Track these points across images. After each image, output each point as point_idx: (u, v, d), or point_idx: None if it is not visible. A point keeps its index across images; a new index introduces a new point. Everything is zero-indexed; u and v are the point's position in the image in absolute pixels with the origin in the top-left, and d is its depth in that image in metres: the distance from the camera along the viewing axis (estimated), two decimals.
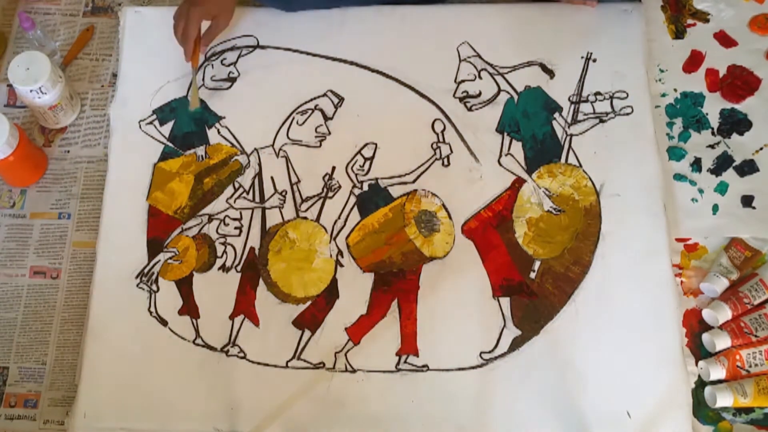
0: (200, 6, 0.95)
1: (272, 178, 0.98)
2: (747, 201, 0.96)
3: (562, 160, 0.98)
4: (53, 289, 0.96)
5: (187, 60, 0.98)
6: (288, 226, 0.95)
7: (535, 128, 0.99)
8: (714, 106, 1.01)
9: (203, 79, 1.03)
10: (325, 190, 0.97)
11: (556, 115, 1.00)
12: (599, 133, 0.99)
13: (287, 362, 0.90)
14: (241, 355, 0.90)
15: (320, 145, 0.99)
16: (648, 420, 0.86)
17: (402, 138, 0.99)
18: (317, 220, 0.96)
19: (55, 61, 1.04)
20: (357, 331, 0.91)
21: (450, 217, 0.95)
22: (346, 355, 0.90)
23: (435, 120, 1.00)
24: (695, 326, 0.92)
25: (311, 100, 1.01)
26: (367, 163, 0.98)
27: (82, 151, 1.03)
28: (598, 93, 1.00)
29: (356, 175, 0.98)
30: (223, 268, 0.94)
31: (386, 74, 1.02)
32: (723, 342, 0.88)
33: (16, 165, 0.95)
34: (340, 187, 0.97)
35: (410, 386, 0.88)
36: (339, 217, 0.96)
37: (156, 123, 1.01)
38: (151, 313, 0.92)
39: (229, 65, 1.04)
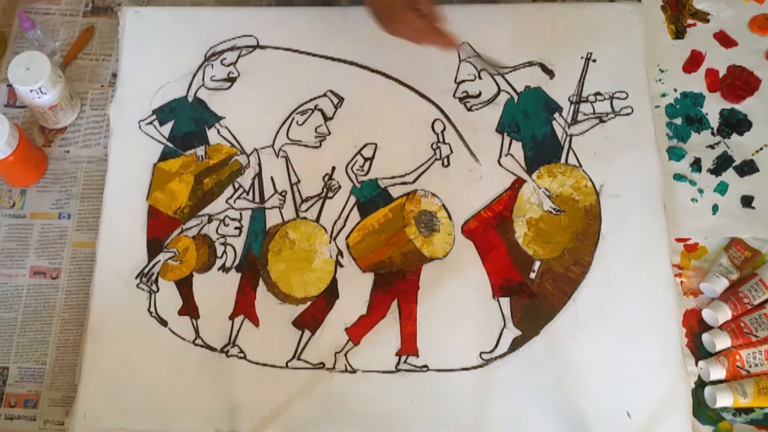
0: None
1: (272, 178, 0.98)
2: (747, 201, 0.96)
3: (562, 160, 0.98)
4: (53, 289, 0.96)
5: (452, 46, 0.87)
6: (288, 226, 0.96)
7: (535, 128, 0.99)
8: (714, 106, 1.01)
9: (203, 79, 1.03)
10: (324, 190, 0.97)
11: (556, 115, 1.00)
12: (599, 133, 0.99)
13: (287, 362, 0.90)
14: (241, 355, 0.90)
15: (320, 145, 0.99)
16: (648, 420, 0.86)
17: (402, 138, 0.99)
18: (317, 220, 0.96)
19: (55, 61, 1.04)
20: (357, 332, 0.91)
21: (450, 218, 0.95)
22: (346, 355, 0.90)
23: (435, 120, 1.00)
24: (695, 326, 0.92)
25: (311, 100, 1.01)
26: (367, 163, 0.98)
27: (82, 151, 1.03)
28: (598, 93, 1.01)
29: (356, 175, 0.98)
30: (223, 268, 0.94)
31: (386, 74, 1.02)
32: (723, 342, 0.88)
33: (16, 165, 0.95)
34: (340, 187, 0.97)
35: (410, 386, 0.88)
36: (339, 218, 0.96)
37: (156, 123, 1.01)
38: (151, 313, 0.92)
39: (229, 65, 1.04)
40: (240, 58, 1.04)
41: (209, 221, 0.96)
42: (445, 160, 0.98)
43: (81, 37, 1.09)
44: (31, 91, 0.95)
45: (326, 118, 1.00)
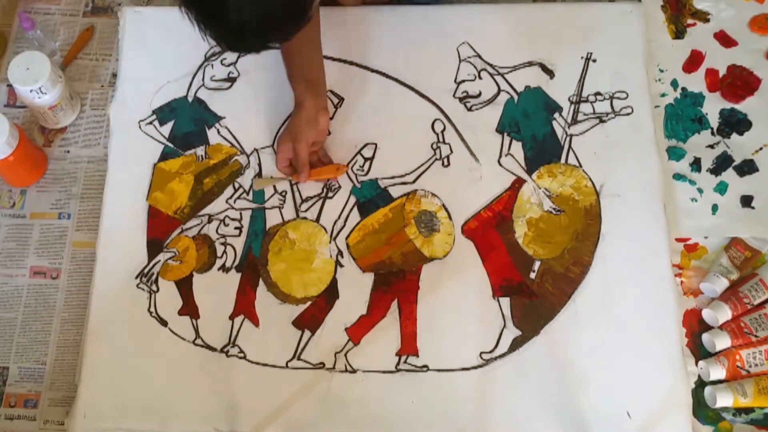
0: (304, 138, 0.92)
1: (272, 178, 0.98)
2: (746, 201, 0.96)
3: (562, 160, 0.98)
4: (53, 289, 0.96)
5: (303, 180, 0.95)
6: (288, 226, 0.95)
7: (535, 128, 0.99)
8: (714, 106, 1.01)
9: (203, 79, 1.03)
10: (324, 190, 0.97)
11: (556, 115, 1.00)
12: (599, 133, 0.99)
13: (287, 362, 0.90)
14: (241, 355, 0.90)
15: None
16: (648, 420, 0.86)
17: (402, 138, 0.99)
18: (317, 220, 0.96)
19: (55, 61, 1.04)
20: (357, 332, 0.91)
21: (450, 218, 0.95)
22: (346, 355, 0.90)
23: (435, 120, 1.00)
24: (695, 326, 0.92)
25: None
26: (367, 163, 0.98)
27: (82, 151, 1.03)
28: (598, 93, 1.01)
29: (356, 175, 0.98)
30: (223, 268, 0.94)
31: (386, 74, 1.02)
32: (723, 342, 0.88)
33: (16, 165, 0.95)
34: (340, 187, 0.97)
35: (410, 386, 0.88)
36: (339, 218, 0.96)
37: (156, 123, 1.01)
38: (151, 313, 0.92)
39: (229, 65, 1.04)
40: (240, 58, 1.04)
41: (209, 221, 0.96)
42: (445, 160, 0.98)
43: (81, 37, 1.09)
44: (31, 91, 0.95)
45: None
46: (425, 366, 0.89)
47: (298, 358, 0.90)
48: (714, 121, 1.00)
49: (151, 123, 1.01)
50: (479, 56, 1.03)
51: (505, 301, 0.92)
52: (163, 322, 0.92)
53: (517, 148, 0.98)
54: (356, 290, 0.92)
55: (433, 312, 0.91)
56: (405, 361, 0.89)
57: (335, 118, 1.00)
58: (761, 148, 0.99)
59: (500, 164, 0.98)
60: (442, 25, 1.04)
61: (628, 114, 0.99)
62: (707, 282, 0.92)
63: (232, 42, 0.71)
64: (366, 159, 0.98)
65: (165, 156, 0.99)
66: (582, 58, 1.02)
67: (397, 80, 1.02)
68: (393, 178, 0.97)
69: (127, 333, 0.91)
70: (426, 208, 0.96)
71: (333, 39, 1.04)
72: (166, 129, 1.01)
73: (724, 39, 1.05)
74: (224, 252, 0.95)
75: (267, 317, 0.92)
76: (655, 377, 0.88)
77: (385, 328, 0.91)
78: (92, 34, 1.09)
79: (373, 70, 1.03)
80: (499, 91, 1.01)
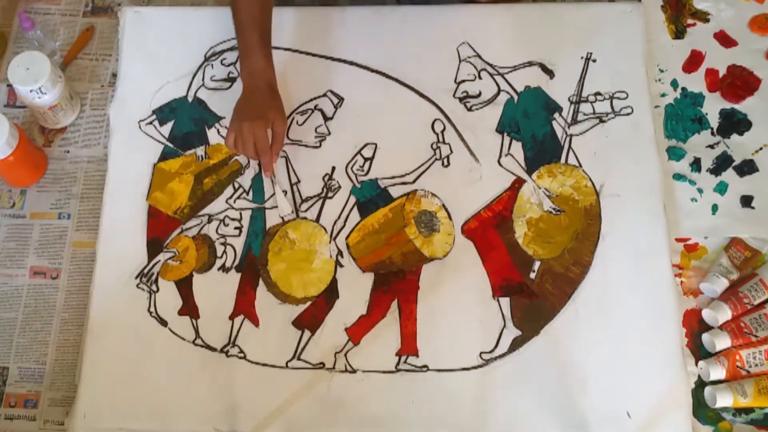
0: (262, 119, 0.89)
1: (272, 178, 0.98)
2: (746, 201, 0.96)
3: (562, 160, 0.98)
4: (53, 289, 0.96)
5: (267, 173, 0.95)
6: (288, 226, 0.95)
7: (535, 128, 0.99)
8: (714, 106, 1.01)
9: (203, 79, 1.03)
10: (324, 190, 0.97)
11: (556, 115, 1.00)
12: (599, 133, 0.99)
13: (287, 362, 0.90)
14: (241, 355, 0.90)
15: (320, 145, 0.99)
16: (648, 420, 0.86)
17: (402, 138, 0.99)
18: (317, 220, 0.96)
19: (55, 61, 1.04)
20: (357, 332, 0.91)
21: (450, 218, 0.95)
22: (346, 355, 0.90)
23: (435, 120, 1.00)
24: (695, 326, 0.92)
25: (311, 100, 1.01)
26: (367, 163, 0.98)
27: (82, 151, 1.03)
28: (598, 93, 1.01)
29: (356, 175, 0.98)
30: (223, 268, 0.94)
31: (386, 74, 1.02)
32: (723, 342, 0.88)
33: (16, 165, 0.95)
34: (340, 187, 0.97)
35: (410, 386, 0.88)
36: (339, 218, 0.96)
37: (156, 123, 1.01)
38: (150, 313, 0.92)
39: (229, 65, 1.04)
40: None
41: (209, 221, 0.96)
42: (445, 160, 0.98)
43: (81, 37, 1.09)
44: (31, 91, 0.95)
45: (326, 118, 1.00)
46: (425, 366, 0.89)
47: (298, 358, 0.90)
48: (714, 121, 1.00)
49: (151, 123, 1.01)
50: (479, 56, 1.03)
51: (505, 301, 0.92)
52: (163, 322, 0.92)
53: (517, 148, 0.98)
54: (356, 290, 0.93)
55: (433, 312, 0.91)
56: (405, 361, 0.89)
57: (335, 119, 1.00)
58: (761, 148, 0.99)
59: (500, 164, 0.98)
60: (442, 25, 1.04)
61: (628, 114, 0.99)
62: (707, 282, 0.92)
63: None
64: (366, 159, 0.98)
65: (165, 156, 0.99)
66: (582, 58, 1.02)
67: (397, 80, 1.02)
68: (393, 178, 0.97)
69: (127, 333, 0.91)
70: (426, 208, 0.96)
71: (333, 39, 1.04)
72: (166, 129, 1.01)
73: (724, 39, 1.05)
74: (224, 252, 0.95)
75: (267, 317, 0.92)
76: (655, 377, 0.88)
77: (385, 328, 0.91)
78: (92, 34, 1.09)
79: (373, 70, 1.03)
80: (499, 91, 1.01)
